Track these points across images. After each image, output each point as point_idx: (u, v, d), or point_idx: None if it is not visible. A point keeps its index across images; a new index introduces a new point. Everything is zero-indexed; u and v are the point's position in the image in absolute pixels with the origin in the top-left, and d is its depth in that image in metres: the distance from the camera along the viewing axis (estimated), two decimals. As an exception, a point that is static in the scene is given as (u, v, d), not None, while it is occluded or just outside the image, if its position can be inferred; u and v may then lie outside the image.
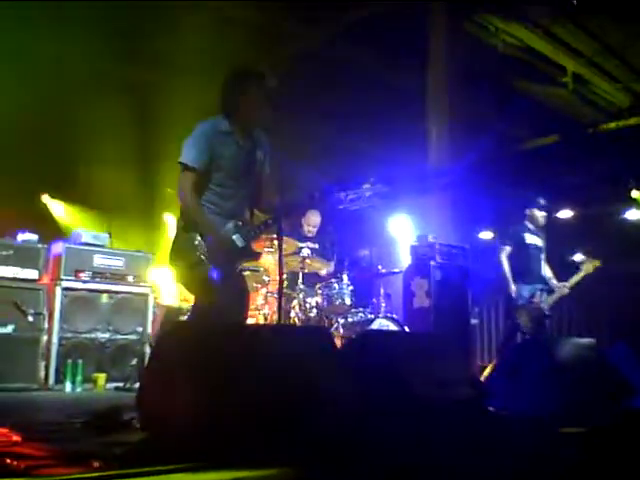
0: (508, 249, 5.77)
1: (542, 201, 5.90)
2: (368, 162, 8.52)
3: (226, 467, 1.81)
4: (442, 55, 8.48)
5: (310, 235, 5.95)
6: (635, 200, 9.07)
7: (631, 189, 9.16)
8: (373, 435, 2.24)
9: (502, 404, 3.02)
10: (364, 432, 2.25)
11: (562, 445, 2.55)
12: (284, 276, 5.69)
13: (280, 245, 3.19)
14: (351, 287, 5.75)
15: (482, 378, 3.89)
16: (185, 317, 5.40)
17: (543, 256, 5.82)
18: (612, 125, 9.46)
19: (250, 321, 5.65)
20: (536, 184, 8.95)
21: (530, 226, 5.86)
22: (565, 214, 9.13)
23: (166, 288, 6.17)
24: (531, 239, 5.84)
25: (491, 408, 3.04)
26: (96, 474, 1.74)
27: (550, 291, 5.64)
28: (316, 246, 5.87)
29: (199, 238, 3.05)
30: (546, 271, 5.80)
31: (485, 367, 5.18)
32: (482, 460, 2.31)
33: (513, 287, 5.64)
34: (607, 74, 9.25)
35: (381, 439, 2.24)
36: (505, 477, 2.29)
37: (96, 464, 1.90)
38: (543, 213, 5.88)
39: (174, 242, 3.17)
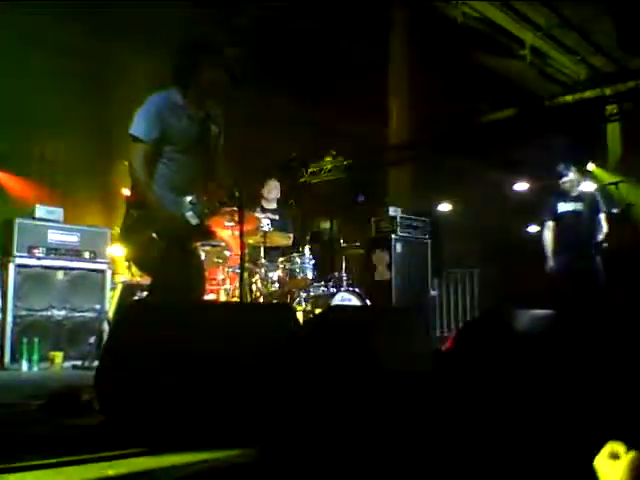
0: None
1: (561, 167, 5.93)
2: (330, 135, 8.47)
3: (186, 449, 1.78)
4: (403, 26, 8.45)
5: (269, 207, 5.89)
6: (590, 172, 9.26)
7: (586, 162, 9.35)
8: (338, 412, 2.24)
9: (462, 377, 3.05)
10: (329, 409, 2.25)
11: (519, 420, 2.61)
12: (245, 250, 5.69)
13: (241, 221, 3.14)
14: (313, 261, 5.74)
15: (443, 349, 3.94)
16: (144, 294, 5.30)
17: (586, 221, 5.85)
18: (569, 98, 9.59)
19: (211, 297, 5.60)
20: (494, 157, 9.08)
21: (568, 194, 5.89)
22: (521, 186, 9.27)
23: (125, 264, 6.05)
24: (566, 207, 5.89)
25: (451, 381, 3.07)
26: (53, 460, 1.69)
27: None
28: (276, 217, 5.82)
29: (150, 215, 2.96)
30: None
31: (445, 337, 5.26)
32: (442, 432, 2.35)
33: None
34: (565, 47, 9.37)
35: (346, 415, 2.24)
36: (464, 449, 2.33)
37: (52, 449, 1.85)
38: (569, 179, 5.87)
39: (125, 219, 3.07)
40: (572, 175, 5.87)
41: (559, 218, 5.83)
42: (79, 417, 2.51)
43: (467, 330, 3.46)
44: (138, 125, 3.00)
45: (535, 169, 9.54)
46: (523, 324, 3.30)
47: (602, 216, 5.77)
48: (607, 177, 8.87)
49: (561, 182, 5.86)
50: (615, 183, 6.36)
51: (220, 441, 1.86)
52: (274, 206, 5.94)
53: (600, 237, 5.69)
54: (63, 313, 5.27)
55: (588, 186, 8.06)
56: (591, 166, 9.32)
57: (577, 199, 5.84)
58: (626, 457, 1.19)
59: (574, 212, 5.81)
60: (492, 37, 9.02)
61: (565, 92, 9.80)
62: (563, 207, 5.84)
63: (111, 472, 1.58)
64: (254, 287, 5.57)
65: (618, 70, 9.63)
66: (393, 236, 6.16)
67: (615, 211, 7.03)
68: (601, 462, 1.22)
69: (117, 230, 3.38)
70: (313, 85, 8.44)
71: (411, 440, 2.25)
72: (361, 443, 2.09)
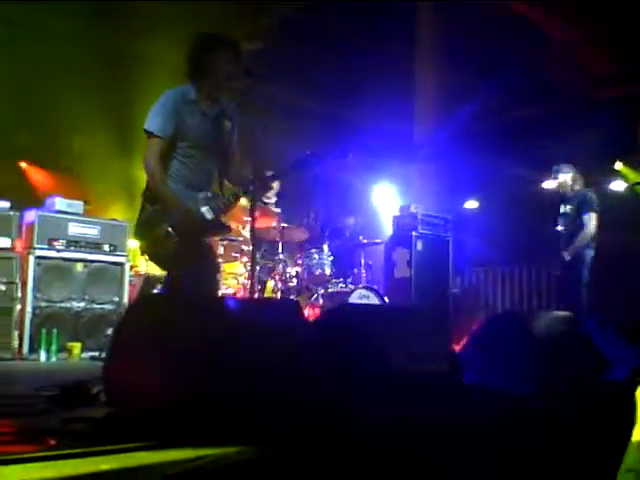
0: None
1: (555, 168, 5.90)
2: (352, 131, 8.40)
3: (188, 445, 1.76)
4: (430, 21, 8.33)
5: (269, 201, 5.81)
6: (619, 172, 9.04)
7: (615, 161, 9.13)
8: (344, 411, 2.20)
9: (477, 378, 3.00)
10: (335, 408, 2.20)
11: (531, 419, 2.54)
12: (263, 247, 5.68)
13: (253, 216, 3.12)
14: (331, 257, 5.70)
15: (459, 349, 3.87)
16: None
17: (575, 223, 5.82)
18: (599, 95, 9.38)
19: (230, 292, 5.60)
20: (520, 154, 8.92)
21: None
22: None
23: (144, 257, 6.09)
24: (563, 208, 5.90)
25: (464, 381, 3.01)
26: (53, 452, 1.68)
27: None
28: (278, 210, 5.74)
29: (165, 210, 2.96)
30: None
31: (464, 337, 5.17)
32: (456, 434, 2.29)
33: None
34: (596, 42, 9.13)
35: (352, 415, 2.20)
36: (478, 451, 2.28)
37: (52, 442, 1.84)
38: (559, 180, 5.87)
39: (140, 215, 3.08)
40: (562, 177, 5.79)
41: (559, 219, 5.84)
42: (87, 409, 2.50)
43: (482, 331, 3.39)
44: (153, 121, 3.01)
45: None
46: (542, 325, 3.22)
47: (588, 216, 5.61)
48: (635, 176, 8.66)
49: (557, 183, 5.86)
50: None
51: (222, 437, 1.83)
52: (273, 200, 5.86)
53: (580, 239, 5.58)
54: (82, 305, 5.32)
55: (618, 185, 7.89)
56: (619, 165, 9.11)
57: (570, 200, 5.81)
58: None
59: (564, 214, 5.80)
60: (519, 30, 8.83)
61: (595, 88, 9.59)
62: (561, 209, 5.85)
63: (105, 467, 1.56)
64: (272, 283, 5.56)
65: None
66: (414, 233, 6.08)
67: None
68: None
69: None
70: (334, 82, 8.38)
71: (421, 441, 2.20)
72: (367, 444, 2.05)
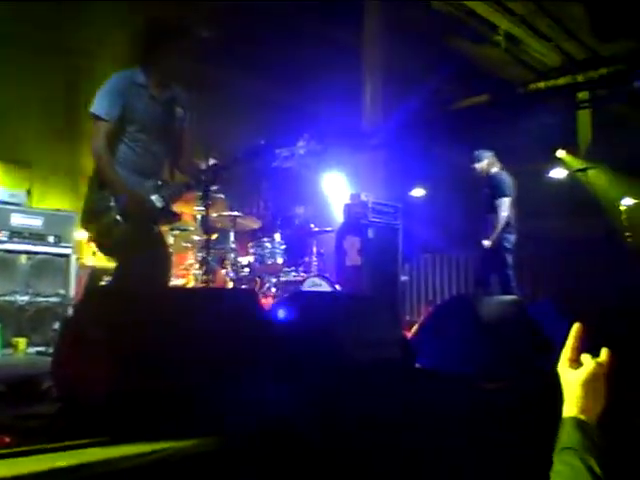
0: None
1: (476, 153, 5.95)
2: (301, 119, 8.38)
3: (144, 439, 1.74)
4: (377, 9, 8.37)
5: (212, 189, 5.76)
6: (560, 159, 9.34)
7: (557, 149, 9.42)
8: (299, 399, 2.22)
9: (429, 362, 3.07)
10: (290, 397, 2.22)
11: (482, 400, 2.63)
12: (215, 235, 5.62)
13: (206, 205, 3.09)
14: (283, 246, 5.70)
15: (410, 335, 3.94)
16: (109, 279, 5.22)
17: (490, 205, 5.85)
18: (541, 85, 9.63)
19: (180, 282, 5.54)
20: (466, 143, 9.09)
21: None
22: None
23: (92, 249, 5.94)
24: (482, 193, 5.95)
25: (418, 366, 3.08)
26: (8, 450, 1.64)
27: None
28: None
29: (114, 196, 2.89)
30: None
31: (414, 323, 5.26)
32: (409, 418, 2.35)
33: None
34: (539, 33, 9.37)
35: (307, 403, 2.22)
36: (430, 433, 2.34)
37: (7, 439, 1.79)
38: (479, 165, 5.91)
39: (87, 202, 3.00)
40: (480, 163, 5.90)
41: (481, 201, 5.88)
42: (38, 405, 2.45)
43: (432, 316, 3.48)
44: (99, 104, 2.94)
45: (507, 155, 9.59)
46: (489, 309, 3.32)
47: (500, 201, 5.68)
48: (577, 163, 8.97)
49: (473, 167, 5.91)
50: (583, 169, 6.41)
51: (178, 431, 1.82)
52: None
53: (496, 225, 5.63)
54: (26, 298, 5.15)
55: (559, 173, 8.16)
56: (561, 153, 9.40)
57: (484, 184, 5.89)
58: (589, 364, 1.22)
59: (482, 197, 5.88)
60: (466, 22, 8.98)
61: (538, 79, 9.84)
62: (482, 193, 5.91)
63: (62, 463, 1.53)
64: (224, 272, 5.52)
65: (591, 57, 9.68)
66: (364, 221, 6.13)
67: None
68: (563, 369, 1.25)
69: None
70: (284, 66, 8.33)
71: (377, 428, 2.24)
72: (325, 433, 2.07)
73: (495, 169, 5.89)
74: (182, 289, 4.70)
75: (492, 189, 5.75)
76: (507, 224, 5.66)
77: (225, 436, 1.86)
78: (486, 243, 5.58)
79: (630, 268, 6.14)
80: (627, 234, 6.16)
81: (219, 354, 2.19)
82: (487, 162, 5.88)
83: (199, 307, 2.34)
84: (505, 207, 5.64)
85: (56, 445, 1.65)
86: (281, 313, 2.75)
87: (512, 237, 5.72)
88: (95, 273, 5.65)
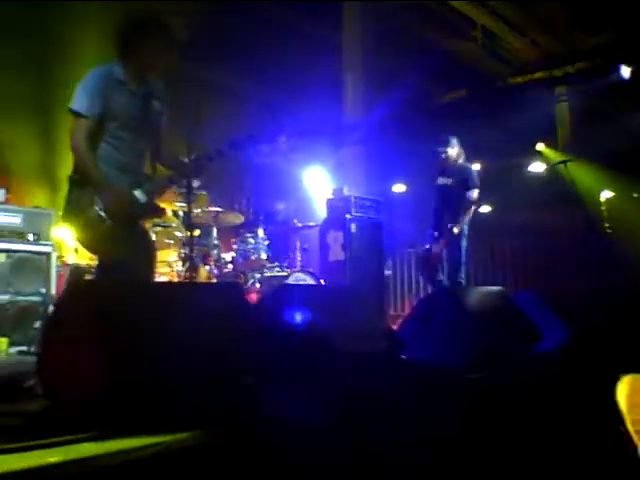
0: None
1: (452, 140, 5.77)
2: (283, 114, 8.36)
3: (134, 434, 1.72)
4: (357, 7, 8.38)
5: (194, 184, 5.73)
6: (540, 153, 9.44)
7: (536, 142, 9.52)
8: (288, 392, 2.21)
9: (414, 354, 3.08)
10: (281, 390, 2.22)
11: (466, 390, 2.65)
12: (198, 231, 5.59)
13: (189, 200, 3.07)
14: (267, 241, 5.69)
15: (395, 328, 3.96)
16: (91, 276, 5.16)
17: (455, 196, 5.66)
18: (519, 79, 9.73)
19: (163, 279, 5.49)
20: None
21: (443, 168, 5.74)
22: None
23: (72, 246, 5.87)
24: (441, 180, 5.75)
25: (404, 358, 3.09)
26: (-4, 447, 1.61)
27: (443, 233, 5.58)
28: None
29: (96, 192, 2.86)
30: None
31: (398, 316, 5.28)
32: (395, 408, 2.35)
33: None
34: (515, 27, 9.46)
35: (299, 395, 2.21)
36: (416, 422, 2.35)
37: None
38: (456, 150, 5.74)
39: (68, 199, 2.95)
40: (451, 149, 5.69)
41: (436, 192, 5.73)
42: (22, 403, 2.41)
43: (418, 308, 3.49)
44: (78, 100, 2.90)
45: (487, 150, 9.67)
46: (474, 300, 3.34)
47: (474, 191, 5.62)
48: (555, 156, 9.06)
49: (441, 154, 5.69)
50: (563, 162, 6.46)
51: (168, 424, 1.81)
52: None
53: (468, 214, 5.54)
54: (6, 297, 5.06)
55: (538, 167, 8.25)
56: (540, 146, 9.50)
57: (451, 173, 5.69)
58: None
59: (446, 186, 5.68)
60: (444, 17, 9.03)
61: (516, 73, 9.94)
62: (440, 181, 5.72)
63: (53, 459, 1.51)
64: (207, 268, 5.49)
65: (567, 51, 9.79)
66: (347, 216, 6.13)
67: None
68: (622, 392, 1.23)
69: (61, 211, 3.27)
70: (264, 62, 8.30)
71: (366, 415, 2.24)
72: (313, 425, 2.07)
73: (462, 159, 5.79)
74: (167, 283, 4.67)
75: (463, 179, 5.64)
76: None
77: (215, 429, 1.85)
78: (456, 230, 5.50)
79: (609, 258, 6.22)
80: (606, 225, 6.24)
81: (205, 347, 2.18)
82: (457, 151, 5.77)
83: (185, 300, 2.32)
84: (476, 197, 5.63)
85: (46, 441, 1.63)
86: (268, 306, 2.74)
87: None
88: (76, 270, 5.58)
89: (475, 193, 5.60)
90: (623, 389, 1.46)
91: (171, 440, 1.75)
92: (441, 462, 2.28)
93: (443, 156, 5.70)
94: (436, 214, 5.72)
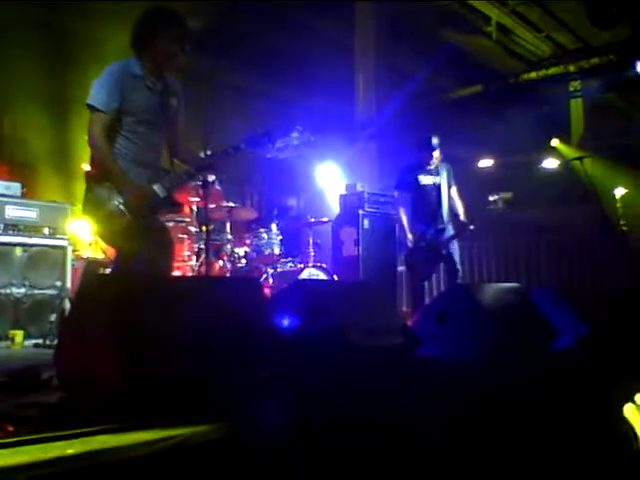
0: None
1: (434, 140, 5.61)
2: (296, 111, 8.36)
3: (152, 426, 1.73)
4: (369, 3, 8.35)
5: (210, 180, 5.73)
6: (555, 148, 9.37)
7: (550, 138, 9.45)
8: (306, 386, 2.22)
9: (430, 351, 3.07)
10: (297, 384, 2.22)
11: (481, 388, 2.63)
12: (211, 226, 5.60)
13: (205, 195, 3.08)
14: (280, 237, 5.69)
15: (410, 324, 3.94)
16: (107, 270, 5.19)
17: (444, 194, 5.59)
18: (533, 75, 9.65)
19: (177, 274, 5.51)
20: (458, 134, 9.10)
21: (427, 167, 5.59)
22: (485, 163, 9.29)
23: (87, 240, 5.90)
24: (426, 180, 5.62)
25: (420, 355, 3.08)
26: (12, 439, 1.62)
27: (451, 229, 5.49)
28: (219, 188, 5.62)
29: (114, 187, 2.88)
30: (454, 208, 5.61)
31: (412, 313, 5.24)
32: (412, 406, 2.35)
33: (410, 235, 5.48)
34: (530, 23, 9.38)
35: (314, 390, 2.22)
36: (433, 422, 2.34)
37: (11, 428, 1.77)
38: (436, 152, 5.59)
39: (87, 193, 2.98)
40: (437, 150, 5.56)
41: (419, 191, 5.57)
42: (39, 395, 2.43)
43: (433, 304, 3.48)
44: (96, 95, 2.92)
45: (501, 146, 9.62)
46: (491, 296, 3.32)
47: (456, 188, 5.57)
48: (571, 152, 9.00)
49: (434, 155, 5.54)
50: (579, 158, 6.41)
51: (186, 417, 1.81)
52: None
53: (465, 209, 5.49)
54: (22, 291, 5.11)
55: (552, 163, 8.17)
56: (555, 142, 9.43)
57: (435, 172, 5.58)
58: None
59: (434, 185, 5.56)
60: (458, 13, 8.97)
61: (530, 69, 9.86)
62: (424, 180, 5.57)
63: (71, 451, 1.52)
64: (221, 263, 5.51)
65: (582, 47, 9.71)
66: (360, 212, 6.13)
67: None
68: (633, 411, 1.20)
69: (79, 207, 3.29)
70: (277, 59, 8.30)
71: (379, 414, 2.24)
72: (330, 418, 2.07)
73: (440, 157, 5.70)
74: (185, 277, 4.69)
75: (448, 176, 5.55)
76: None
77: (235, 422, 1.85)
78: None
79: (625, 255, 6.17)
80: (622, 222, 6.18)
81: (223, 341, 2.18)
82: (439, 150, 5.69)
83: (203, 294, 2.33)
84: (457, 195, 5.58)
85: (65, 433, 1.64)
86: (282, 301, 2.74)
87: None
88: (91, 264, 5.62)
89: (458, 189, 5.56)
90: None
91: (189, 433, 1.76)
92: (455, 461, 2.28)
93: (435, 156, 5.59)
94: (430, 212, 5.52)
